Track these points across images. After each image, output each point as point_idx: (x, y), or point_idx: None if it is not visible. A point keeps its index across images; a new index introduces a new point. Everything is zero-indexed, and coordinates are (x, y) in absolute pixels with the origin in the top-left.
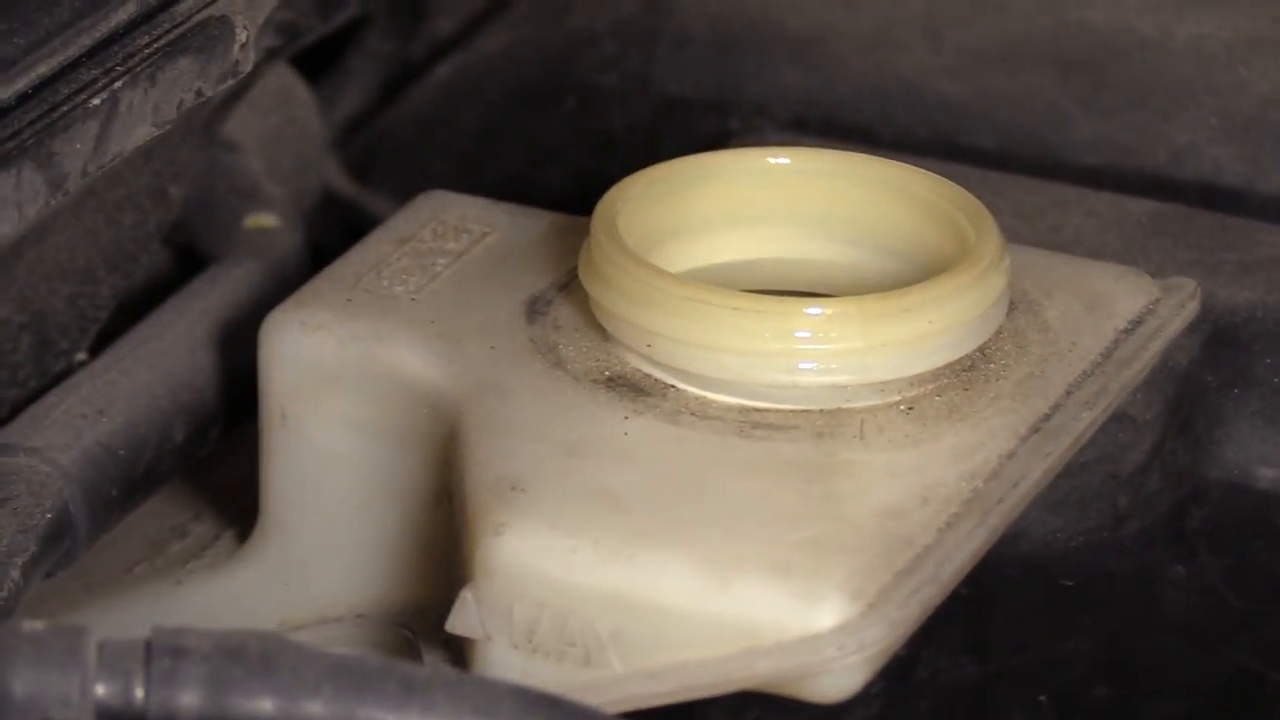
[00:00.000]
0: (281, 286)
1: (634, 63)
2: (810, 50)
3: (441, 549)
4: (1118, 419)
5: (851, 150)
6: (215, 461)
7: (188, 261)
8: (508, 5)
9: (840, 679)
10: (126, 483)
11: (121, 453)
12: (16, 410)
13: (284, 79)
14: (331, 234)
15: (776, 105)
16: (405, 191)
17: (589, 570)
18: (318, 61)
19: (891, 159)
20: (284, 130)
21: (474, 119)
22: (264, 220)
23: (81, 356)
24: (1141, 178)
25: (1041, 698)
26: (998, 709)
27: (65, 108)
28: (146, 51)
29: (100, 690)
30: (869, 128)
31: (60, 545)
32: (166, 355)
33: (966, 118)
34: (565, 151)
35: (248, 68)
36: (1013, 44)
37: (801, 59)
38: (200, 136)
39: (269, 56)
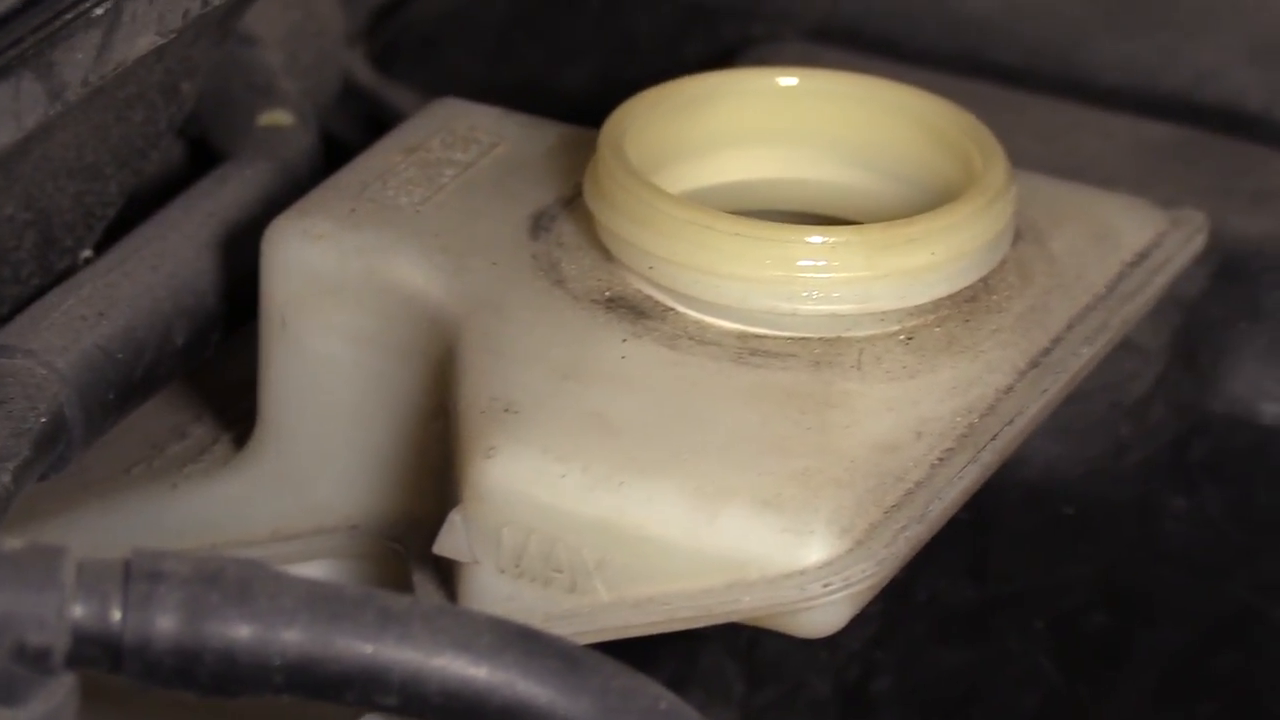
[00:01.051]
0: (292, 188)
1: None
2: None
3: (436, 464)
4: (1124, 347)
5: (874, 63)
6: (219, 362)
7: (201, 156)
8: None
9: (826, 615)
10: (124, 386)
11: (120, 356)
12: (19, 308)
13: None
14: (352, 126)
15: (800, 13)
16: (428, 85)
17: (578, 497)
18: None
19: (912, 74)
20: (304, 25)
21: (498, 15)
22: (279, 118)
23: (87, 254)
24: (1164, 99)
25: (1038, 623)
26: (995, 633)
27: (68, 15)
28: None
29: (77, 612)
30: (893, 40)
31: (54, 449)
32: (170, 256)
33: (991, 32)
34: (587, 52)
35: None
36: None
37: None
38: (216, 32)
39: None
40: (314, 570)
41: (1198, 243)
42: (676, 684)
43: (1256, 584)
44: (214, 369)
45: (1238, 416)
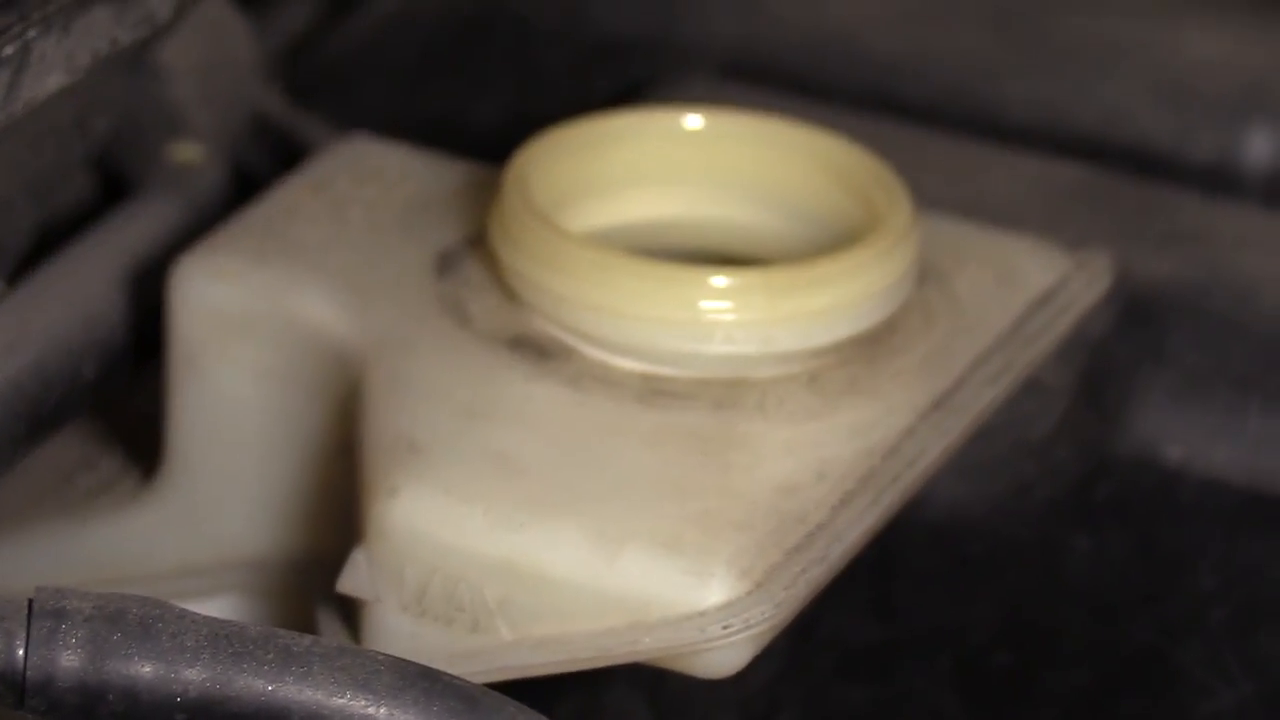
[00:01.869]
0: (200, 223)
1: (569, 1)
2: None
3: (342, 501)
4: (1028, 386)
5: (783, 100)
6: (129, 394)
7: (112, 188)
8: None
9: (726, 656)
10: (33, 419)
11: (29, 390)
12: None
13: (218, 6)
14: (265, 159)
15: (710, 49)
16: (341, 118)
17: (480, 536)
18: None
19: (822, 111)
20: (216, 58)
21: (412, 49)
22: (189, 152)
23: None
24: (1072, 139)
25: (944, 662)
26: (899, 672)
27: None
28: (62, 0)
29: None
30: (802, 77)
31: None
32: (80, 291)
33: (900, 71)
34: (499, 86)
35: (166, 16)
36: None
37: (737, 3)
38: (128, 68)
39: None
40: (219, 605)
41: (1103, 284)
42: None
43: (1160, 625)
44: (123, 402)
45: (1142, 458)
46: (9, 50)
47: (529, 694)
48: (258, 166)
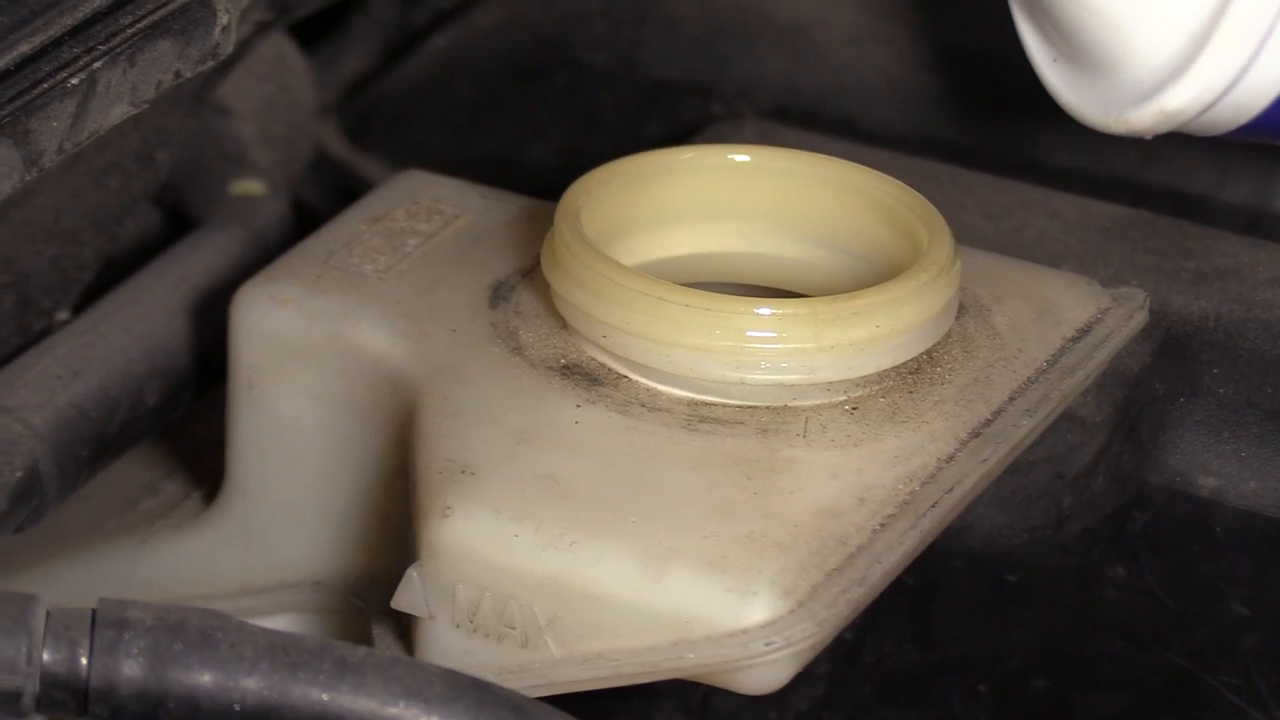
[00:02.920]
0: (262, 255)
1: (623, 44)
2: (794, 40)
3: (397, 523)
4: (1067, 419)
5: (829, 141)
6: (192, 419)
7: (176, 222)
8: None
9: (767, 673)
10: (97, 444)
11: (94, 414)
12: None
13: (279, 47)
14: (323, 196)
15: (759, 92)
16: (398, 156)
17: (530, 556)
18: (323, 24)
19: (867, 152)
20: (277, 97)
21: (467, 90)
22: (251, 186)
23: (64, 315)
24: (1111, 180)
25: (981, 687)
26: (938, 696)
27: (45, 85)
28: (128, 32)
29: (46, 657)
30: (849, 118)
31: (29, 503)
32: (143, 319)
33: (944, 113)
34: (553, 127)
35: (228, 50)
36: (992, 41)
37: (785, 48)
38: (191, 103)
39: (261, 29)
40: (278, 625)
41: (1138, 320)
42: None
43: (1192, 651)
44: (186, 427)
45: (1176, 489)
46: (75, 81)
47: (582, 712)
48: (317, 201)
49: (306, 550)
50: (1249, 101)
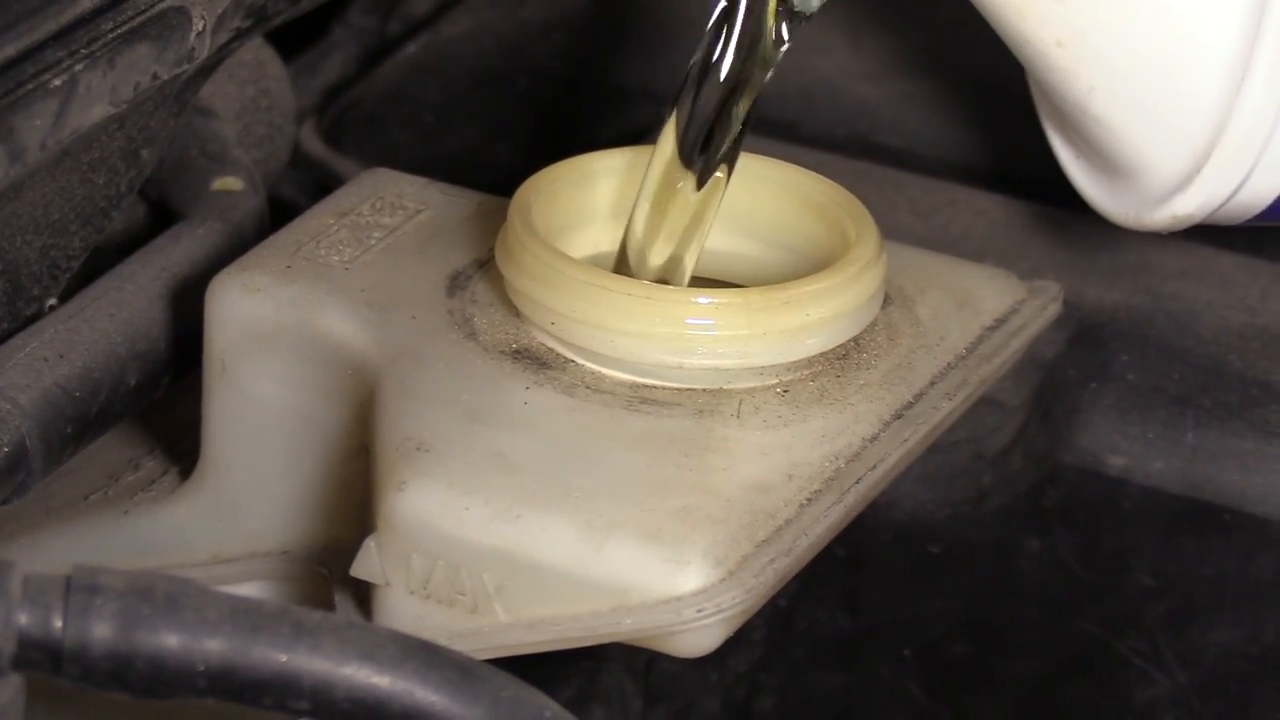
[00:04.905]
0: (240, 247)
1: (581, 52)
2: None
3: (358, 497)
4: (986, 403)
5: (773, 145)
6: (172, 402)
7: (160, 215)
8: None
9: (700, 638)
10: (81, 422)
11: (78, 394)
12: None
13: (260, 53)
14: (301, 193)
15: None
16: (372, 156)
17: (480, 528)
18: (304, 32)
19: (807, 155)
20: (257, 100)
21: (436, 95)
22: (230, 183)
23: (52, 302)
24: (1032, 181)
25: (906, 652)
26: (866, 660)
27: (28, 86)
28: (108, 37)
29: (22, 619)
30: (792, 124)
31: (15, 477)
32: (126, 306)
33: (879, 119)
34: (516, 129)
35: (204, 54)
36: (924, 53)
37: None
38: (174, 104)
39: (240, 36)
40: (248, 591)
41: (1052, 310)
42: (580, 700)
43: (1103, 619)
44: (165, 408)
45: (1087, 468)
46: (57, 82)
47: (533, 674)
48: (295, 198)
49: (275, 522)
50: (1255, 201)
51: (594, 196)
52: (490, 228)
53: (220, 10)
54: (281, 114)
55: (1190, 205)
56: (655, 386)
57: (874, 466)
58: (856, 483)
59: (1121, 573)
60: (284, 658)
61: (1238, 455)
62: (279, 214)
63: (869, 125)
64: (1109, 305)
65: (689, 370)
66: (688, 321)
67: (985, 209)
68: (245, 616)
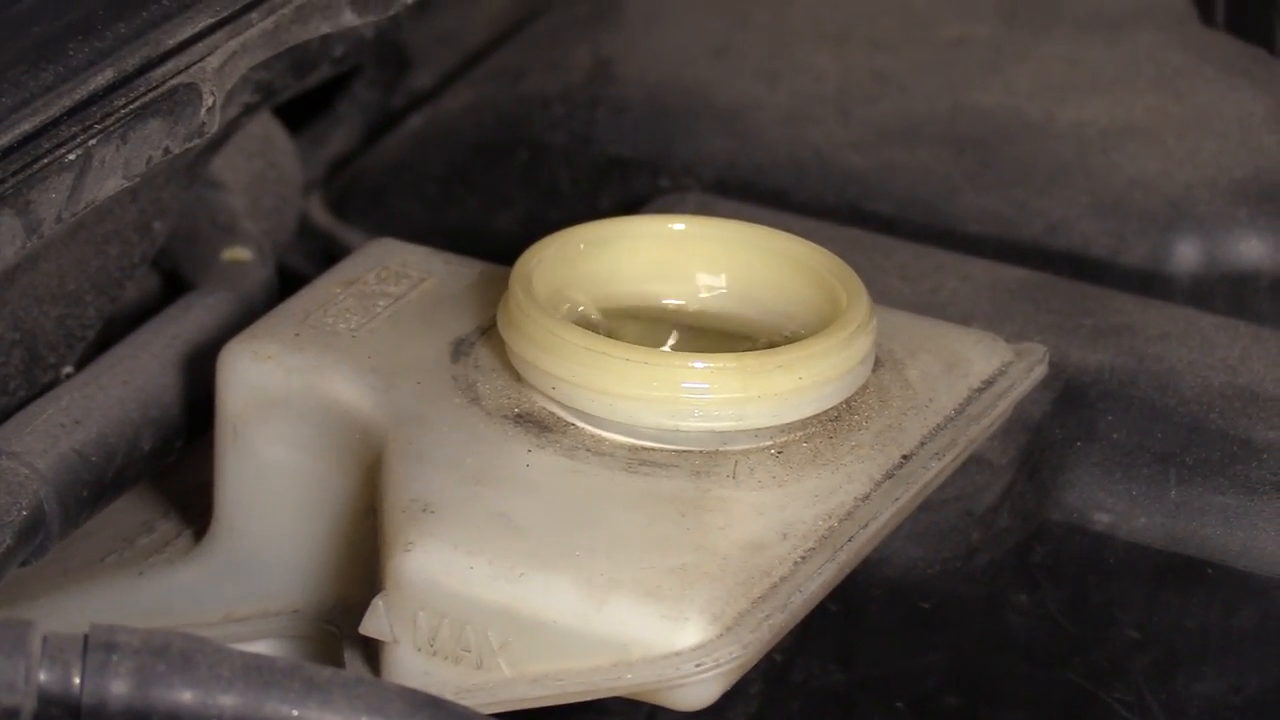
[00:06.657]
0: (249, 316)
1: (579, 124)
2: (734, 121)
3: (366, 557)
4: (975, 462)
5: (765, 212)
6: (185, 466)
7: (172, 285)
8: (473, 67)
9: (698, 691)
10: (97, 485)
11: (93, 459)
12: (5, 416)
13: (267, 127)
14: (308, 262)
15: (702, 168)
16: (376, 227)
17: (484, 586)
18: (311, 106)
19: (798, 222)
20: (265, 173)
21: (439, 167)
22: (239, 254)
23: (68, 370)
24: (1018, 247)
25: (899, 704)
26: (860, 712)
27: (44, 160)
28: (121, 112)
29: (42, 677)
30: (783, 192)
31: (34, 539)
32: (139, 373)
33: (869, 186)
34: (516, 199)
35: (214, 128)
36: (913, 122)
37: (726, 128)
38: (185, 177)
39: (248, 110)
40: (261, 649)
41: (1039, 372)
42: None
43: (1089, 671)
44: (178, 472)
45: (1074, 524)
46: (72, 156)
47: None
48: (302, 267)
49: (286, 582)
50: None
51: (594, 264)
52: (492, 295)
53: (229, 86)
54: (289, 186)
55: None
56: (653, 449)
57: (866, 525)
58: (849, 541)
59: (1107, 626)
60: (296, 713)
61: (1220, 511)
62: (287, 283)
63: (859, 192)
64: (1093, 366)
65: (685, 433)
66: (684, 386)
67: (972, 274)
68: (258, 673)
